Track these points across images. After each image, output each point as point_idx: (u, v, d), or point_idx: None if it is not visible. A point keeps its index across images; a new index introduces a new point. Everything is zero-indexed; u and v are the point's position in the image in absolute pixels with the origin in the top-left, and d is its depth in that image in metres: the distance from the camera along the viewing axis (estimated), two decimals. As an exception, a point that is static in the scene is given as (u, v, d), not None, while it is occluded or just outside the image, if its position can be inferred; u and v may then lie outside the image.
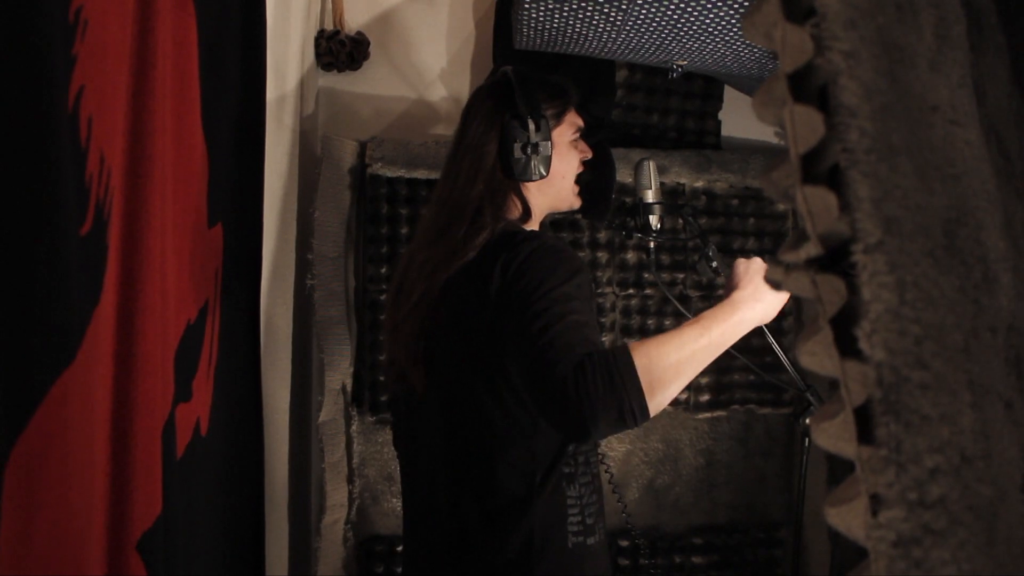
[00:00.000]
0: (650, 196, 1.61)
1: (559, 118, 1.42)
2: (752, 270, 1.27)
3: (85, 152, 0.88)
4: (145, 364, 1.03)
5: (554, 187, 1.41)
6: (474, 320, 1.24)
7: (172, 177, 1.17)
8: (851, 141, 0.44)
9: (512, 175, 1.35)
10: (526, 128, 1.34)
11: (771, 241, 2.15)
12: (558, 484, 1.25)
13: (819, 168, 0.47)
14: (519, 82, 1.37)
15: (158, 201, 1.07)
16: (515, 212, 1.38)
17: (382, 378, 1.92)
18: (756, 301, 1.22)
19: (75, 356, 0.86)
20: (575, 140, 1.45)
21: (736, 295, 1.23)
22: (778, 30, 0.47)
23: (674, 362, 1.09)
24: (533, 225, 1.41)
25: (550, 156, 1.36)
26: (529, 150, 1.34)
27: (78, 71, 0.86)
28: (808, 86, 0.48)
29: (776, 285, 0.50)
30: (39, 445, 0.81)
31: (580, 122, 1.46)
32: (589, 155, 1.48)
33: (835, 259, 0.47)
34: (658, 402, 1.08)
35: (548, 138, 1.36)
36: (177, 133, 1.20)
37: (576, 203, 1.48)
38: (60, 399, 0.83)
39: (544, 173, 1.36)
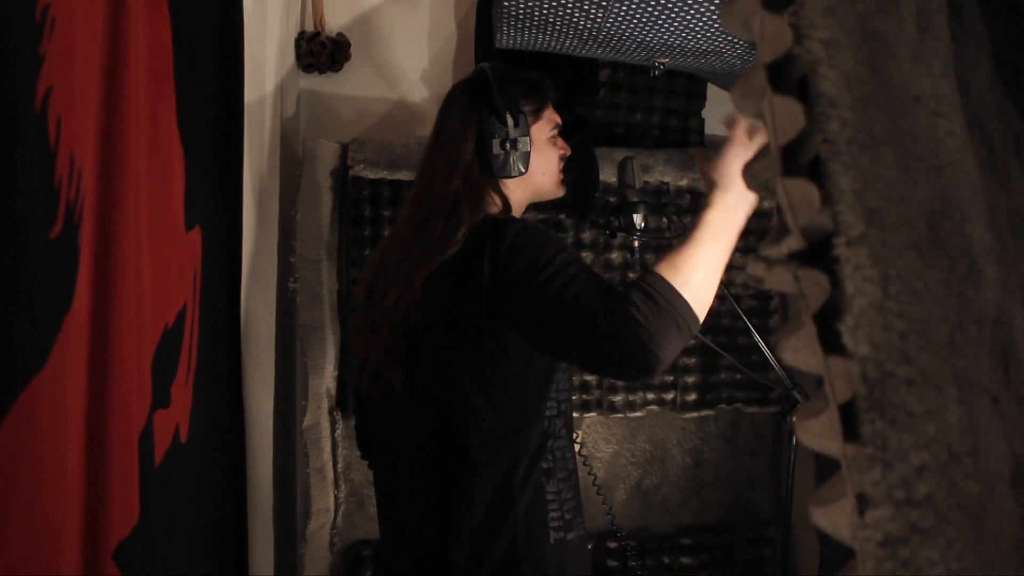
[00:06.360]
0: (634, 195, 1.61)
1: (537, 114, 1.41)
2: (732, 167, 1.23)
3: (54, 153, 0.86)
4: (120, 369, 1.01)
5: (533, 183, 1.41)
6: (462, 314, 1.23)
7: (147, 179, 1.15)
8: (832, 131, 0.44)
9: (490, 171, 1.34)
10: (504, 124, 1.33)
11: (755, 239, 2.14)
12: (538, 480, 1.25)
13: (800, 160, 0.46)
14: (496, 78, 1.36)
15: (132, 203, 1.05)
16: (494, 208, 1.37)
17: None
18: (746, 201, 1.21)
19: (45, 362, 0.84)
20: (553, 137, 1.44)
21: (729, 199, 1.20)
22: (756, 19, 0.46)
23: (702, 274, 1.13)
24: None
25: (528, 152, 1.35)
26: (507, 146, 1.33)
27: (46, 70, 0.84)
28: (788, 76, 0.47)
29: (758, 281, 0.49)
30: (9, 452, 0.79)
31: (558, 119, 1.46)
32: (568, 152, 1.47)
33: (817, 253, 0.46)
34: (701, 310, 1.12)
35: (526, 134, 1.35)
36: (152, 134, 1.18)
37: (559, 191, 1.47)
38: (30, 405, 0.81)
39: (523, 170, 1.35)
